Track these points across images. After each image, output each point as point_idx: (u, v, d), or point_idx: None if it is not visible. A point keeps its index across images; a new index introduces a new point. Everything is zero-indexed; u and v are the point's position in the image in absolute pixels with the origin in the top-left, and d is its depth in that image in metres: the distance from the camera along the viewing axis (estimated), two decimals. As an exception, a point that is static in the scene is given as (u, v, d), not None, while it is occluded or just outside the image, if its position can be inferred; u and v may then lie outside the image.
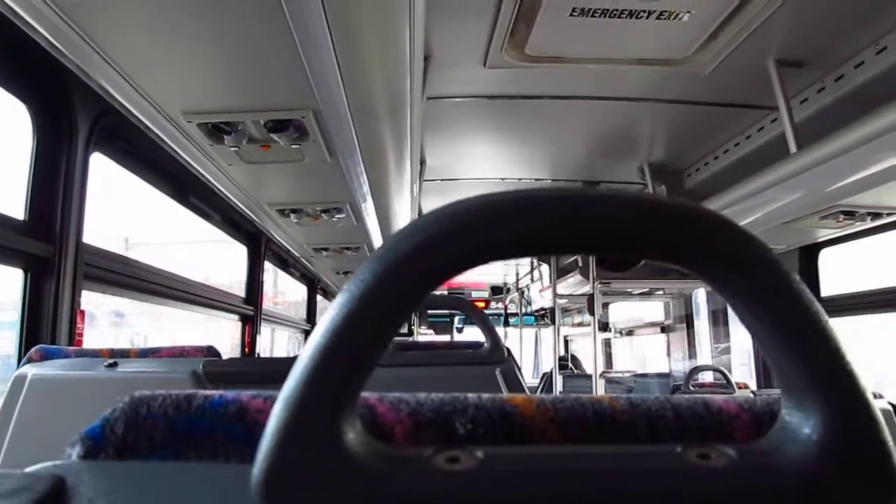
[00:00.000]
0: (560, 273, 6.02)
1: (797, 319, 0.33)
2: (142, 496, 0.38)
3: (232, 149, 2.23)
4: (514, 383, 1.65)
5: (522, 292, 9.18)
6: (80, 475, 0.39)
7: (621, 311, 8.29)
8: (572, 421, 0.42)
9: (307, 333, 6.05)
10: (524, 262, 7.97)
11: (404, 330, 8.13)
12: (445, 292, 9.77)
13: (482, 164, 4.12)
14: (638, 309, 7.84)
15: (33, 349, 1.67)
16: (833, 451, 0.34)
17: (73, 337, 2.15)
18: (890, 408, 2.86)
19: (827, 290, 4.07)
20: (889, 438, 0.34)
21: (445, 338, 9.60)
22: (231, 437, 0.43)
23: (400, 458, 0.36)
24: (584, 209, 0.33)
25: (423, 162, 3.79)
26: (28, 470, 0.39)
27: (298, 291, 6.30)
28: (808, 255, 4.07)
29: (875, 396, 2.75)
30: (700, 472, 0.35)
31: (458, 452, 0.36)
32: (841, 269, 4.12)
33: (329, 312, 0.34)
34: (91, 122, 2.20)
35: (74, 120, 2.13)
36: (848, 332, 4.06)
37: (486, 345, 1.75)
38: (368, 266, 0.34)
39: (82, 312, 2.20)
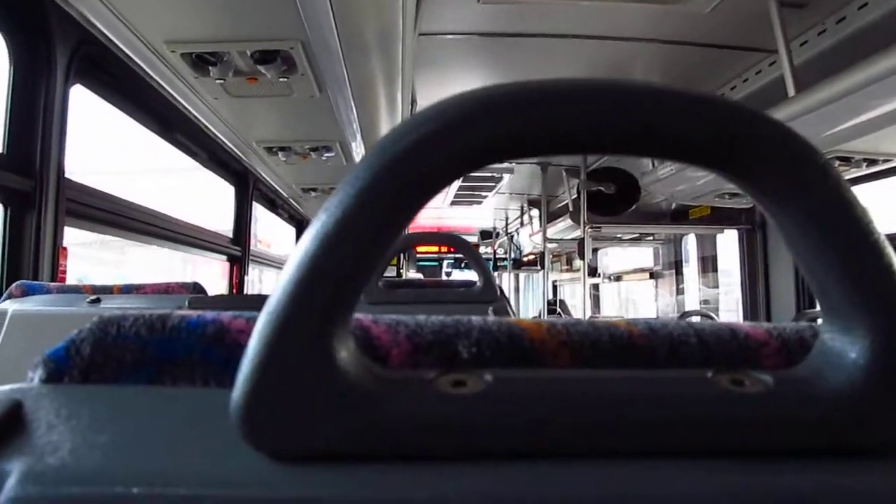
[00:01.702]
0: (550, 217, 6.01)
1: (849, 234, 0.30)
2: (108, 421, 0.34)
3: (217, 81, 2.17)
4: None
5: (512, 237, 9.18)
6: (40, 399, 0.36)
7: (609, 257, 8.32)
8: (586, 345, 0.39)
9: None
10: (514, 207, 7.95)
11: (394, 273, 8.13)
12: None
13: (474, 105, 4.05)
14: (627, 254, 7.86)
15: (14, 285, 1.63)
16: (882, 377, 0.31)
17: (56, 274, 2.11)
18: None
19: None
20: None
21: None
22: (209, 359, 0.39)
23: (400, 380, 0.33)
24: (618, 99, 0.29)
25: (413, 101, 3.72)
26: None
27: (286, 233, 6.26)
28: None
29: None
30: (735, 398, 0.32)
31: (464, 376, 0.33)
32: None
33: (319, 216, 0.30)
34: (71, 51, 2.11)
35: (53, 49, 2.05)
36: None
37: (478, 283, 1.73)
38: (366, 161, 0.29)
39: (64, 249, 2.15)
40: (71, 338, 0.39)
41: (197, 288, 1.75)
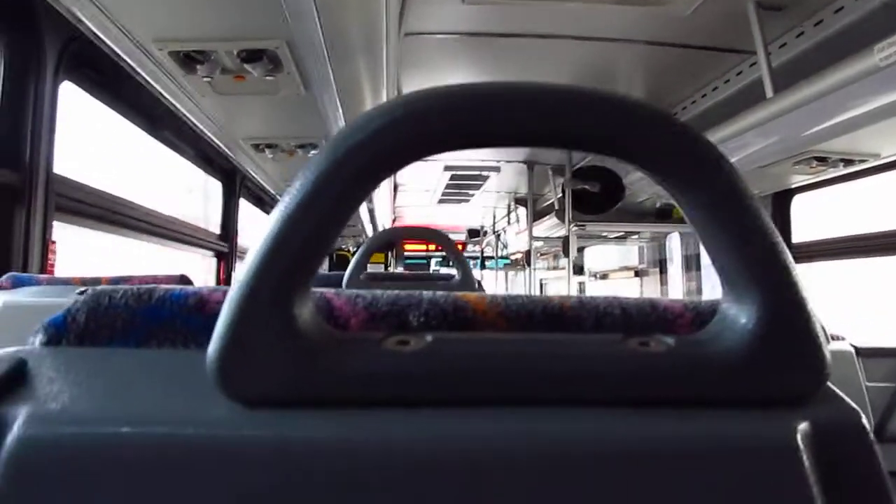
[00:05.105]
0: (536, 216, 6.05)
1: (738, 215, 0.35)
2: (101, 376, 0.39)
3: (205, 79, 2.20)
4: None
5: (499, 235, 9.21)
6: (42, 359, 0.40)
7: (595, 256, 8.37)
8: (522, 315, 0.44)
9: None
10: (501, 206, 7.98)
11: (381, 269, 8.14)
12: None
13: (460, 104, 4.07)
14: (613, 253, 7.91)
15: (4, 277, 1.66)
16: (765, 339, 0.35)
17: (45, 268, 2.13)
18: (852, 349, 2.92)
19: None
20: (819, 329, 0.36)
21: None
22: (190, 326, 0.44)
23: (352, 340, 0.38)
24: (519, 102, 0.34)
25: (400, 100, 3.74)
26: None
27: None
28: (782, 201, 4.11)
29: (835, 338, 2.77)
30: (639, 356, 0.36)
31: (408, 336, 0.38)
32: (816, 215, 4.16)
33: (284, 198, 0.35)
34: (60, 48, 2.14)
35: (42, 46, 2.07)
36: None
37: (456, 276, 1.77)
38: (315, 162, 0.34)
39: (53, 243, 2.18)
40: (68, 308, 0.44)
41: (184, 280, 1.78)
